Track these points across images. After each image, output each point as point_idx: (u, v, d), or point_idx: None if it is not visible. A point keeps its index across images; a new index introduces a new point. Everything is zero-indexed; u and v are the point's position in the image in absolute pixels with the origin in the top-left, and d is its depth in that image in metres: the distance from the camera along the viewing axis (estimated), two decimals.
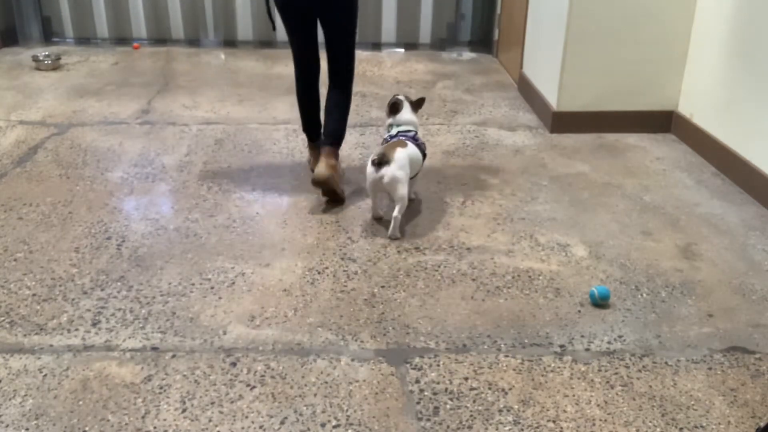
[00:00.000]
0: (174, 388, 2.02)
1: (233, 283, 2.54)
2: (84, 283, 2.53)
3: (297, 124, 4.17)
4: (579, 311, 2.42)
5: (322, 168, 3.01)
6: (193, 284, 2.53)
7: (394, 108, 3.14)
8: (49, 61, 5.28)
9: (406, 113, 3.12)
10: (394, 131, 3.07)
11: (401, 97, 3.17)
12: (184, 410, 1.93)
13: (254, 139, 3.95)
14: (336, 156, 3.14)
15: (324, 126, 3.24)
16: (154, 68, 5.40)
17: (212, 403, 1.96)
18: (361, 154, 3.73)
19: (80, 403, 1.96)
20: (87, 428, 1.87)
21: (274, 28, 3.31)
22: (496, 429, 1.88)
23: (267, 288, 2.52)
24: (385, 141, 3.06)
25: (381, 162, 2.79)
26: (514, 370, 2.12)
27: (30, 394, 1.98)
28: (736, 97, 3.47)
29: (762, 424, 1.90)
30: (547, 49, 4.21)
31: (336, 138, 3.18)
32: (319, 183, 3.03)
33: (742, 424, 1.92)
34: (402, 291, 2.51)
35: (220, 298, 2.46)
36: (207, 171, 3.51)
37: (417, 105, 3.19)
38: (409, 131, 3.06)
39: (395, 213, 2.83)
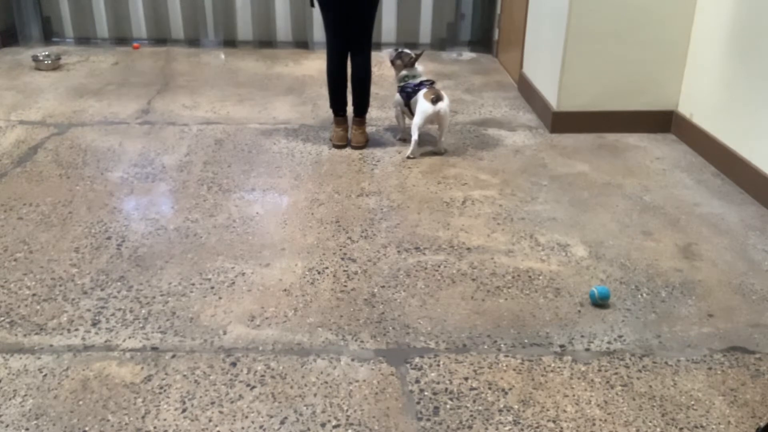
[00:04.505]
0: (174, 388, 2.02)
1: (233, 283, 2.54)
2: (84, 283, 2.53)
3: (297, 124, 4.19)
4: (579, 311, 2.42)
5: (358, 135, 3.85)
6: (193, 284, 2.54)
7: (413, 61, 3.85)
8: (49, 61, 5.28)
9: (418, 65, 3.88)
10: (417, 81, 3.78)
11: (408, 51, 3.91)
12: (184, 410, 1.93)
13: (254, 139, 3.95)
14: (365, 123, 3.92)
15: (353, 101, 3.87)
16: (154, 68, 5.40)
17: (212, 403, 1.96)
18: (361, 154, 3.74)
19: (80, 403, 1.96)
20: (87, 428, 1.87)
21: (312, 5, 3.83)
22: (496, 429, 1.88)
23: (267, 288, 2.52)
24: (408, 87, 3.77)
25: (437, 99, 3.62)
26: (514, 370, 2.12)
27: (30, 394, 1.98)
28: (736, 97, 3.47)
29: (762, 424, 1.90)
30: (547, 49, 4.21)
31: (364, 110, 3.88)
32: (358, 148, 3.83)
33: (742, 424, 1.92)
34: (402, 291, 2.51)
35: (220, 298, 2.46)
36: (207, 171, 3.51)
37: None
38: (428, 80, 3.80)
39: (443, 137, 3.76)
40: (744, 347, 2.24)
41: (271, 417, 1.91)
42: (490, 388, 2.03)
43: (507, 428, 1.89)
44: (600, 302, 2.44)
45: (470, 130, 4.14)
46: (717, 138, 3.63)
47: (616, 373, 2.11)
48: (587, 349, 2.22)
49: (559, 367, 2.13)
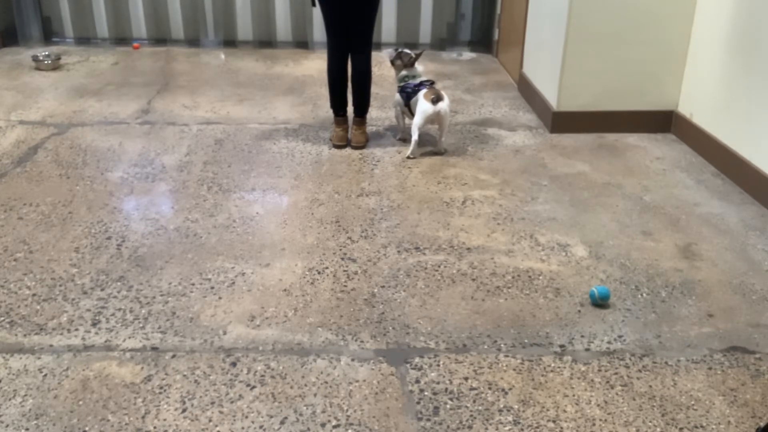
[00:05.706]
0: (174, 388, 2.02)
1: (233, 283, 2.54)
2: (84, 283, 2.53)
3: (297, 124, 4.19)
4: (579, 311, 2.42)
5: (358, 135, 3.86)
6: (193, 284, 2.54)
7: (413, 61, 3.85)
8: (49, 61, 5.28)
9: (418, 65, 3.88)
10: (417, 81, 3.79)
11: (408, 51, 3.91)
12: (184, 410, 1.93)
13: (254, 139, 3.95)
14: (365, 123, 3.92)
15: (353, 101, 3.88)
16: (154, 68, 5.40)
17: (212, 403, 1.96)
18: (361, 154, 3.74)
19: (80, 403, 1.96)
20: (87, 428, 1.87)
21: (313, 4, 3.86)
22: (496, 429, 1.88)
23: (267, 288, 2.52)
24: (408, 87, 3.77)
25: (437, 99, 3.62)
26: (514, 370, 2.12)
27: (30, 394, 1.98)
28: (736, 97, 3.47)
29: (762, 424, 1.90)
30: (547, 49, 4.21)
31: (364, 110, 3.88)
32: (358, 148, 3.83)
33: (742, 424, 1.92)
34: (402, 291, 2.51)
35: (220, 298, 2.46)
36: (207, 171, 3.51)
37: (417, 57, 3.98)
38: (428, 80, 3.81)
39: (443, 137, 3.76)
40: (744, 347, 2.24)
41: (271, 417, 1.91)
42: (490, 388, 2.03)
43: (507, 428, 1.89)
44: (600, 302, 2.44)
45: (470, 130, 4.14)
46: (717, 138, 3.63)
47: (616, 373, 2.11)
48: (587, 349, 2.22)
49: (559, 367, 2.13)
